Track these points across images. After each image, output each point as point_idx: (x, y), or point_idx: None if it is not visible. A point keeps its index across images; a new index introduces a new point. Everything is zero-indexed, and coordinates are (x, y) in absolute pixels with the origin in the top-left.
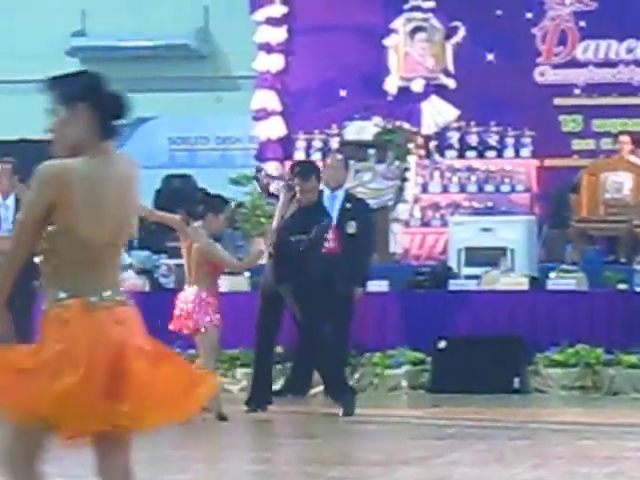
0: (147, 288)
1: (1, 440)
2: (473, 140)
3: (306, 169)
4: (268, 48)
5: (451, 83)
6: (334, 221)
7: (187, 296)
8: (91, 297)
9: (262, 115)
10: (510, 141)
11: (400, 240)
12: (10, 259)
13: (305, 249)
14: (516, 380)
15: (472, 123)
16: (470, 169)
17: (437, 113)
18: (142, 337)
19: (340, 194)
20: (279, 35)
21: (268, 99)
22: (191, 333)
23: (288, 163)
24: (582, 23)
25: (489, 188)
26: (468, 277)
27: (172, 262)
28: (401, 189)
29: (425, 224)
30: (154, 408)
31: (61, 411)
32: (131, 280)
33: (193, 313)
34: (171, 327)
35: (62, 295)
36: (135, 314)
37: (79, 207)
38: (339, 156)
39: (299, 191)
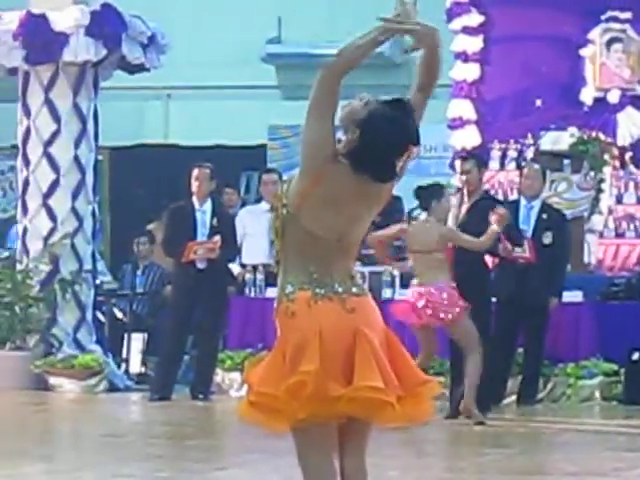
0: None
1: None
2: None
3: (467, 155)
4: (464, 57)
5: None
6: (530, 231)
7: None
8: (319, 289)
9: (457, 124)
10: None
11: (594, 251)
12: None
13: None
14: None
15: None
16: None
17: (633, 124)
18: (377, 327)
19: (537, 204)
20: (475, 44)
21: (464, 108)
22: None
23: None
24: None
25: None
26: None
27: (366, 270)
28: (596, 200)
29: (619, 235)
30: (387, 402)
31: (300, 400)
32: None
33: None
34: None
35: (290, 289)
36: (371, 304)
37: (319, 202)
38: (536, 166)
39: (460, 173)
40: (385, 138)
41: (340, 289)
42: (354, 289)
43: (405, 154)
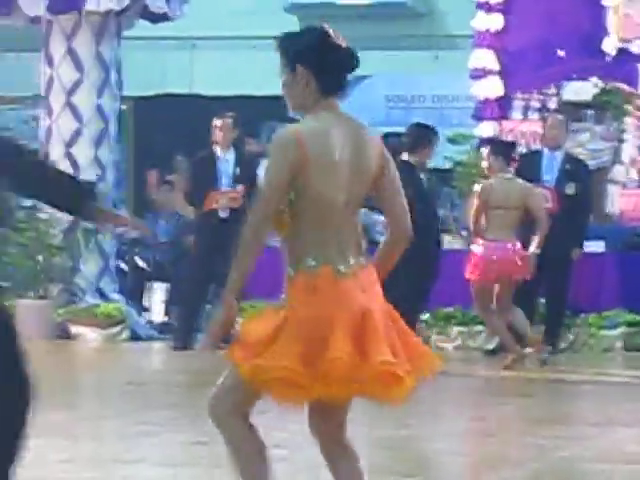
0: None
1: (218, 391)
2: None
3: None
4: (487, 7)
5: None
6: (552, 182)
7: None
8: (339, 265)
9: (480, 74)
10: None
11: (616, 201)
12: (249, 243)
13: None
14: None
15: None
16: None
17: None
18: (381, 303)
19: (559, 155)
20: None
21: (486, 58)
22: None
23: (505, 123)
24: None
25: None
26: None
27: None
28: (618, 150)
29: None
30: (401, 377)
31: (327, 380)
32: None
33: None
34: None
35: (311, 263)
36: (374, 276)
37: (313, 167)
38: (560, 116)
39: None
40: (312, 40)
41: (352, 261)
42: (361, 259)
43: (334, 36)
